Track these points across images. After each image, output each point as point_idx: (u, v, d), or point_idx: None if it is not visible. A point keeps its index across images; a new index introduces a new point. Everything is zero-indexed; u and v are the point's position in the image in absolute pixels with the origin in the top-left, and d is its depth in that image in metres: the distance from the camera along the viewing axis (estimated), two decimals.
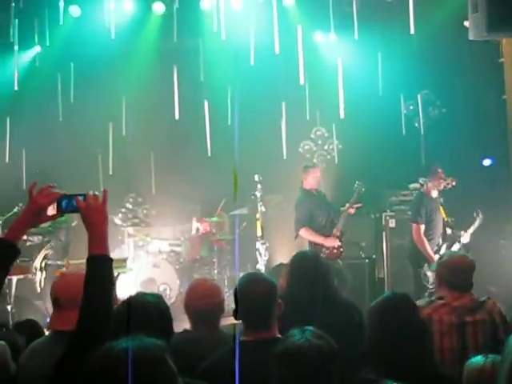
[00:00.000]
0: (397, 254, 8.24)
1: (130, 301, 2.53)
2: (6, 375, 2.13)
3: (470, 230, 6.88)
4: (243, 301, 2.93)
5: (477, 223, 6.89)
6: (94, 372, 1.63)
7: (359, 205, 7.38)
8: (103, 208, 2.32)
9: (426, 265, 6.65)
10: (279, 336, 2.88)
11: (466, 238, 6.82)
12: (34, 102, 8.67)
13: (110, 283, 2.22)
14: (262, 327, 2.89)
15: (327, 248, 7.08)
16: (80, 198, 2.33)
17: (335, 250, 7.12)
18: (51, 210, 2.37)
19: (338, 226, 7.21)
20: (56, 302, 2.83)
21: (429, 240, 6.74)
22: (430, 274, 6.57)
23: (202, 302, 3.35)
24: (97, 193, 2.35)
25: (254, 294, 2.91)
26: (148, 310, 2.46)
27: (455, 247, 6.71)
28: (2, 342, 2.14)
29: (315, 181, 7.34)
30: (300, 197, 7.35)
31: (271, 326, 2.90)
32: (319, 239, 7.13)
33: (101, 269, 2.22)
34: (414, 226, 6.86)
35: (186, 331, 3.43)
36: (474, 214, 6.96)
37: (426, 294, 6.22)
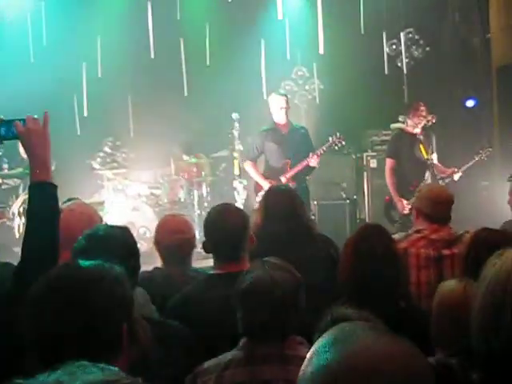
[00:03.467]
0: (378, 195, 8.18)
1: (92, 234, 2.41)
2: None
3: (468, 165, 6.71)
4: (211, 231, 2.84)
5: (477, 158, 6.72)
6: (38, 288, 1.53)
7: (315, 160, 6.42)
8: (45, 131, 2.20)
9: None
10: None
11: (457, 175, 6.64)
12: (3, 46, 8.38)
13: (54, 211, 2.13)
14: (232, 259, 2.79)
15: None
16: (19, 122, 2.20)
17: None
18: None
19: (287, 173, 6.51)
20: None
21: (401, 176, 6.61)
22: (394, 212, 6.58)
23: (172, 237, 3.24)
24: (36, 116, 2.22)
25: (223, 224, 2.81)
26: (111, 243, 2.33)
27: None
28: None
29: (276, 112, 6.58)
30: (262, 128, 6.76)
31: (242, 259, 2.81)
32: (258, 178, 6.60)
33: (45, 196, 2.12)
34: (386, 160, 6.78)
35: (156, 268, 3.34)
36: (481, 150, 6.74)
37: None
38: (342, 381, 0.94)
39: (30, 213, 2.12)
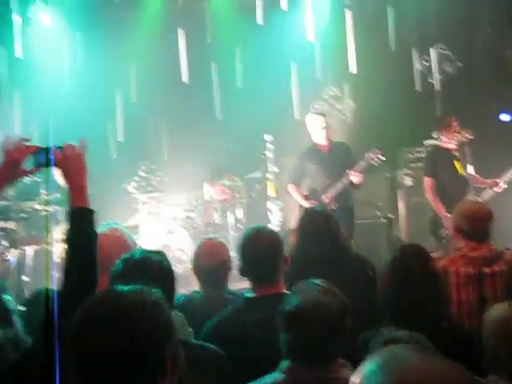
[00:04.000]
0: (414, 213, 8.12)
1: (128, 258, 2.43)
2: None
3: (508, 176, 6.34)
4: (246, 254, 2.83)
5: None
6: (82, 315, 1.55)
7: (359, 176, 6.29)
8: (81, 158, 2.24)
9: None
10: (286, 292, 2.78)
11: (501, 187, 6.33)
12: (40, 74, 8.58)
13: (93, 237, 2.14)
14: (267, 282, 2.78)
15: None
16: (57, 150, 2.24)
17: None
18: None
19: (328, 192, 6.42)
20: None
21: (442, 192, 6.50)
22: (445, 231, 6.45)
23: (209, 260, 3.26)
24: (73, 143, 2.25)
25: (257, 248, 2.80)
26: (147, 267, 2.35)
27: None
28: None
29: (315, 132, 6.51)
30: (303, 150, 6.70)
31: (277, 281, 2.80)
32: (300, 200, 6.51)
33: (83, 222, 2.13)
34: (425, 179, 6.60)
35: (194, 291, 3.36)
36: None
37: None
38: None
39: (69, 239, 2.13)
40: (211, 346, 2.52)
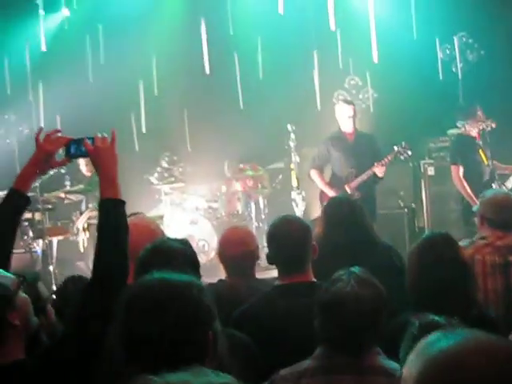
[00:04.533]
0: (437, 202, 8.07)
1: (154, 247, 2.47)
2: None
3: None
4: (275, 242, 2.86)
5: None
6: (129, 301, 1.61)
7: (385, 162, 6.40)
8: (112, 149, 2.26)
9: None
10: (314, 280, 2.80)
11: None
12: (64, 67, 8.64)
13: (123, 227, 2.16)
14: (296, 270, 2.80)
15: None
16: (88, 141, 2.27)
17: None
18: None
19: (352, 182, 6.48)
20: None
21: (469, 181, 6.46)
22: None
23: (236, 249, 3.28)
24: (105, 134, 2.28)
25: (287, 235, 2.82)
26: (173, 256, 2.39)
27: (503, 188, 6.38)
28: (25, 296, 2.10)
29: (343, 121, 6.57)
30: (329, 135, 6.80)
31: (306, 269, 2.82)
32: (323, 187, 6.59)
33: (114, 213, 2.15)
34: (453, 167, 6.57)
35: (220, 280, 3.38)
36: None
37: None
38: (470, 360, 0.97)
39: (102, 230, 2.15)
40: (237, 333, 2.56)
